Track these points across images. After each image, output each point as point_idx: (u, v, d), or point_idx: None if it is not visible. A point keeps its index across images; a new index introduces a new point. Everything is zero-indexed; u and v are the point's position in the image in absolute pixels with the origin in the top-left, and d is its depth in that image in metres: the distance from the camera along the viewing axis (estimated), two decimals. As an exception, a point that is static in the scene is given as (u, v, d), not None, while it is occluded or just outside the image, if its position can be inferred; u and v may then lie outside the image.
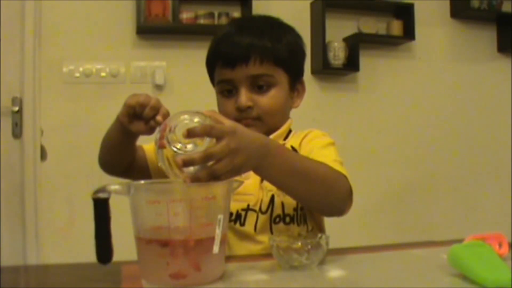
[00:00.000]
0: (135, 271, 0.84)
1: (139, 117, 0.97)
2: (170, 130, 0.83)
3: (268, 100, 1.16)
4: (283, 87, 1.19)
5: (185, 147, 0.82)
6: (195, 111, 0.85)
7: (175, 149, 0.82)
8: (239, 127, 0.86)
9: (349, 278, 0.87)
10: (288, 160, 0.95)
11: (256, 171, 0.92)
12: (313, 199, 1.01)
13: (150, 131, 0.97)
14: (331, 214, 1.09)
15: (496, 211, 3.15)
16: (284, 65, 1.18)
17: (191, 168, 0.81)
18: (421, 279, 0.84)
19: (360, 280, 0.85)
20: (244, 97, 1.15)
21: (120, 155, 1.14)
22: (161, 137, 0.83)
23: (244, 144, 0.84)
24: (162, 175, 0.88)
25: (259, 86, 1.16)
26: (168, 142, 0.82)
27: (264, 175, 0.96)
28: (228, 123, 0.86)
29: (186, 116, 0.84)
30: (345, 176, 1.03)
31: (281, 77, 1.18)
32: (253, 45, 1.15)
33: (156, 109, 0.96)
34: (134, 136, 1.06)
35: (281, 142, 1.19)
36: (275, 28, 1.21)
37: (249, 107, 1.16)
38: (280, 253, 0.88)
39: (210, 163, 0.81)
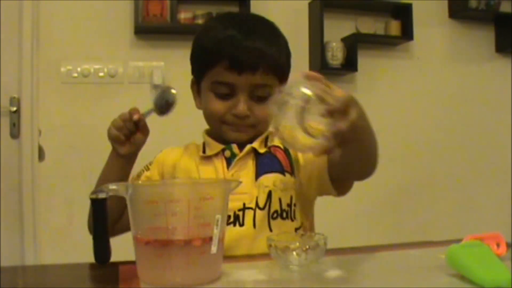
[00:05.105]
0: (133, 272, 0.84)
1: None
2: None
3: (264, 110, 1.15)
4: None
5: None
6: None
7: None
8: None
9: (347, 278, 0.87)
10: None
11: (359, 118, 0.88)
12: (373, 153, 1.00)
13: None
14: (370, 173, 1.06)
15: (494, 211, 3.16)
16: (282, 75, 1.19)
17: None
18: (419, 279, 0.84)
19: (358, 280, 0.85)
20: (245, 105, 1.15)
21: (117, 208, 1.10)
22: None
23: None
24: None
25: (257, 94, 1.16)
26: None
27: (361, 124, 0.91)
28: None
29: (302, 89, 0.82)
30: None
31: (276, 86, 1.18)
32: (263, 55, 1.14)
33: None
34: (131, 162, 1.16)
35: (262, 145, 1.21)
36: (275, 35, 1.22)
37: (247, 116, 1.16)
38: (278, 253, 0.88)
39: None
